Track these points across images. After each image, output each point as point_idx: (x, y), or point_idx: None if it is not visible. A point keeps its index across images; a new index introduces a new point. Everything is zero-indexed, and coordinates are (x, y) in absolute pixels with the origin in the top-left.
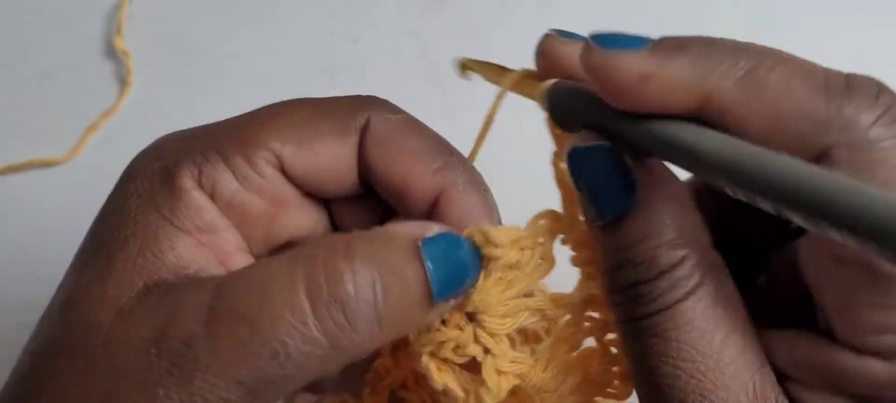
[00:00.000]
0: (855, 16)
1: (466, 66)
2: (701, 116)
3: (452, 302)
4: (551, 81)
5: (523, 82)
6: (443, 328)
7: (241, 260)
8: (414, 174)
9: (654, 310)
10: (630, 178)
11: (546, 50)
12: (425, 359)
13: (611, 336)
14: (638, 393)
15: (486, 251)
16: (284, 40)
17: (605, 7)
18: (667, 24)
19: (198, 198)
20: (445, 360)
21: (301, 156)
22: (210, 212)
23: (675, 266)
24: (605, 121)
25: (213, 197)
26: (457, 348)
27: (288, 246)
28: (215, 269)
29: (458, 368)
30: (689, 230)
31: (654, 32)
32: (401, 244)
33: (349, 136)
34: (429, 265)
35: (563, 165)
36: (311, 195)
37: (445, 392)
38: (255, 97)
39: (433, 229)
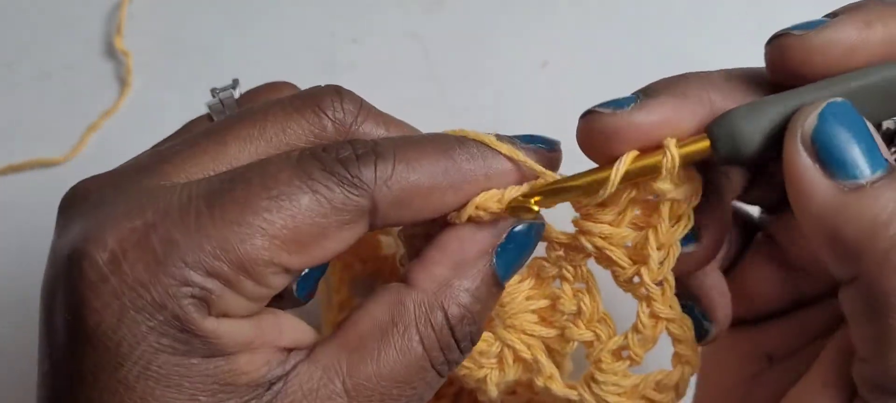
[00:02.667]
0: None
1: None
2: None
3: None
4: (709, 126)
5: (641, 163)
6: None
7: (289, 329)
8: (441, 207)
9: None
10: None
11: (614, 129)
12: None
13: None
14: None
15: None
16: (284, 40)
17: (604, 5)
18: (664, 20)
19: (227, 327)
20: None
21: (306, 258)
22: (244, 328)
23: None
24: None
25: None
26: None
27: None
28: (279, 358)
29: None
30: None
31: (651, 29)
32: (484, 279)
33: (357, 224)
34: (502, 273)
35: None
36: None
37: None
38: None
39: (502, 235)
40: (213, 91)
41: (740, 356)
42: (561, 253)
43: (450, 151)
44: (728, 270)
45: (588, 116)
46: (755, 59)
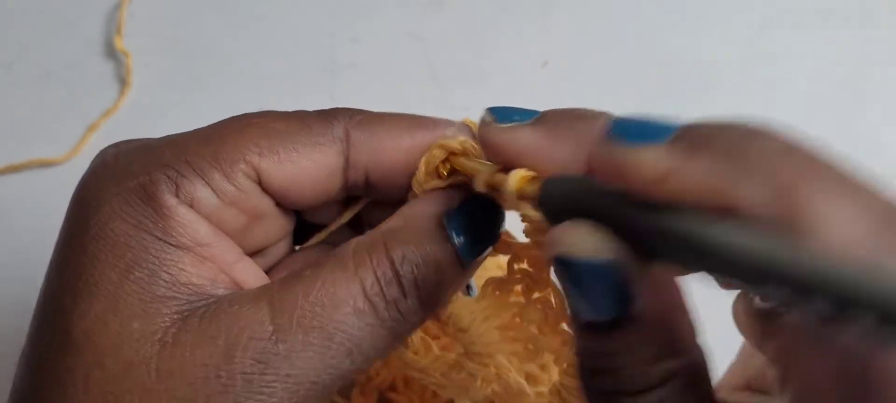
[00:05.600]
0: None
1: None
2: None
3: (487, 253)
4: (543, 179)
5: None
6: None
7: (243, 267)
8: (412, 147)
9: None
10: (630, 291)
11: (490, 143)
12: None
13: None
14: None
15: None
16: (284, 40)
17: (604, 5)
18: (664, 20)
19: (186, 213)
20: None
21: (281, 168)
22: (201, 226)
23: (663, 382)
24: (613, 214)
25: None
26: (443, 375)
27: (258, 254)
28: (224, 283)
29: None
30: (682, 340)
31: (651, 29)
32: (430, 234)
33: (329, 147)
34: (455, 238)
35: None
36: (285, 204)
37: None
38: (255, 97)
39: (454, 200)
40: None
41: None
42: (524, 265)
43: (425, 116)
44: None
45: (481, 119)
46: (755, 59)
